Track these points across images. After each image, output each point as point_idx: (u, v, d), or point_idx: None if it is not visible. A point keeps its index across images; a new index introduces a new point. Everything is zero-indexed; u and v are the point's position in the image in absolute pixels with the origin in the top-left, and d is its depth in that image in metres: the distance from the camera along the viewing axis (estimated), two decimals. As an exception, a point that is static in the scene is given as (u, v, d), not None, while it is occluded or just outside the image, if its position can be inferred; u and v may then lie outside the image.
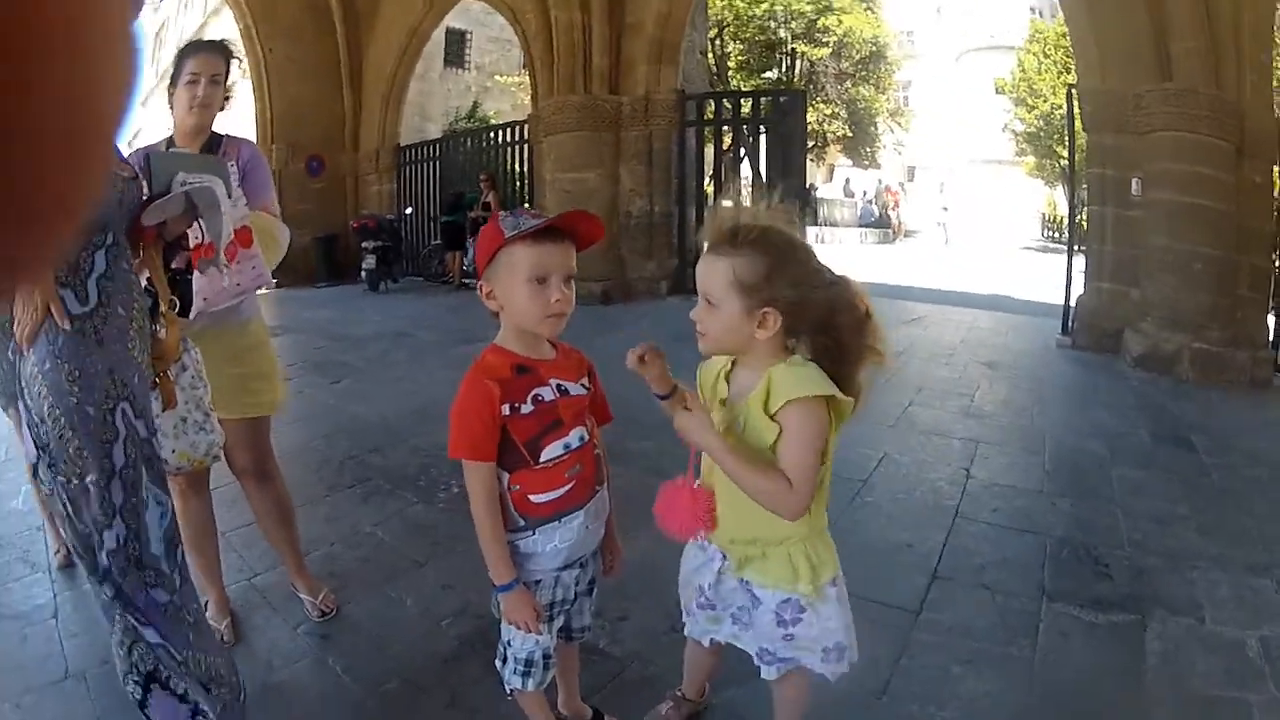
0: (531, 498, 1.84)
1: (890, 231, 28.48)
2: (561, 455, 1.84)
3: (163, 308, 2.10)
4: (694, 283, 4.47)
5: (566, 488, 1.86)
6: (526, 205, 9.89)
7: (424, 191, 13.65)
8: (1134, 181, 7.40)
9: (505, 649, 1.97)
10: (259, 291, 2.70)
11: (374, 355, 7.58)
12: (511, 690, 2.01)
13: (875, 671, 2.51)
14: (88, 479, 1.75)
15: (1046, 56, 28.06)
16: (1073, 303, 8.21)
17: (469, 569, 3.02)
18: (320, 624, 2.84)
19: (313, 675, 2.59)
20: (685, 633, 2.10)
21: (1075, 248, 8.56)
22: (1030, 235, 27.44)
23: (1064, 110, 8.33)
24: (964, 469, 4.55)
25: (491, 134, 13.13)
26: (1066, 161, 24.68)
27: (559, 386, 1.85)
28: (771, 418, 1.68)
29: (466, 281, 11.76)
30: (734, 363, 1.84)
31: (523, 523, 1.85)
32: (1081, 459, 4.73)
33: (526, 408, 1.79)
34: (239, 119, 12.41)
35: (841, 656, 1.86)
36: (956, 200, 30.78)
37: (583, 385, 1.91)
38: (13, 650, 2.67)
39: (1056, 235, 25.90)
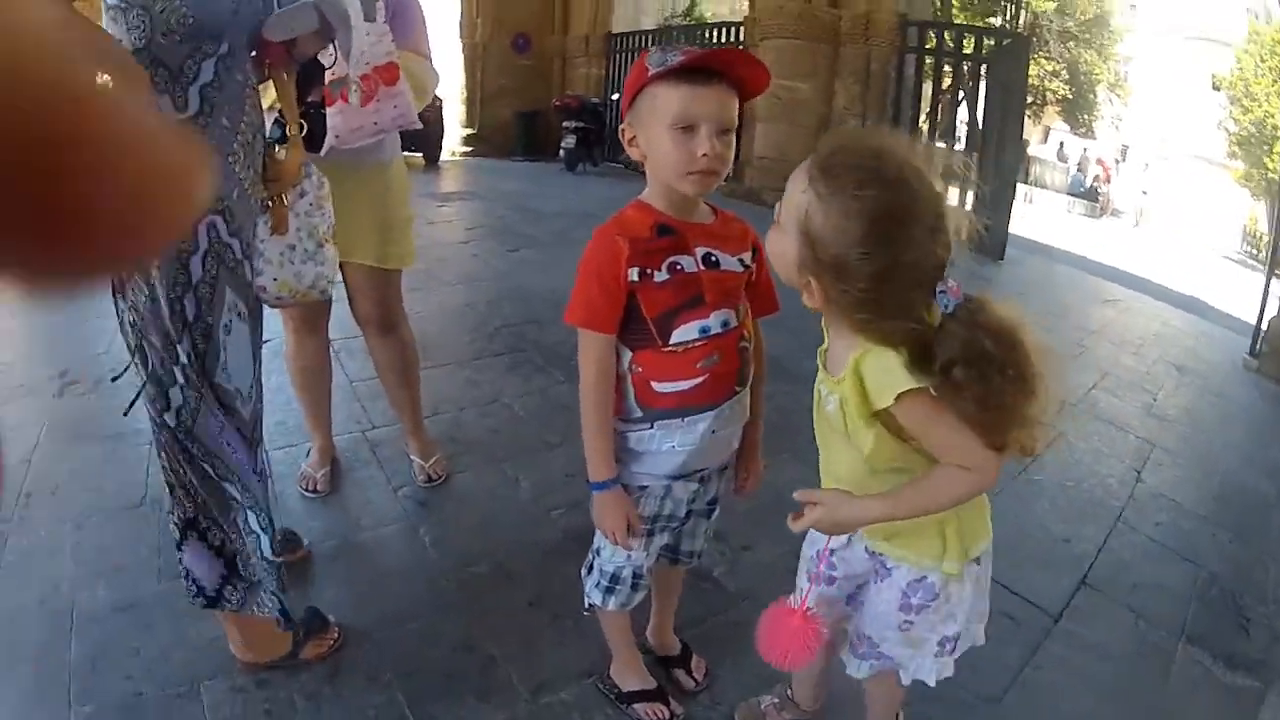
0: (655, 385, 1.58)
1: (1098, 206, 26.69)
2: (696, 340, 1.56)
3: (289, 131, 1.93)
4: None
5: (697, 380, 1.57)
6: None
7: None
8: None
9: (593, 558, 1.83)
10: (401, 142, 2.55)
11: (557, 230, 7.53)
12: (590, 605, 1.87)
13: (996, 674, 2.36)
14: (158, 290, 1.62)
15: (1263, 61, 25.36)
16: (1264, 324, 7.45)
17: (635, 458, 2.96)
18: (424, 489, 2.77)
19: (399, 541, 2.53)
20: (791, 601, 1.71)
21: (1275, 267, 7.74)
22: (1230, 245, 25.20)
23: (1278, 120, 7.45)
24: (1135, 470, 4.24)
25: (706, 32, 12.77)
26: (1275, 173, 23.03)
27: (707, 257, 1.57)
28: (877, 417, 1.35)
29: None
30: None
31: (639, 413, 1.61)
32: (1250, 496, 4.32)
33: (660, 275, 1.53)
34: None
35: (954, 648, 1.54)
36: (1159, 189, 28.51)
37: (740, 261, 1.62)
38: (94, 470, 2.67)
39: (1256, 252, 23.74)
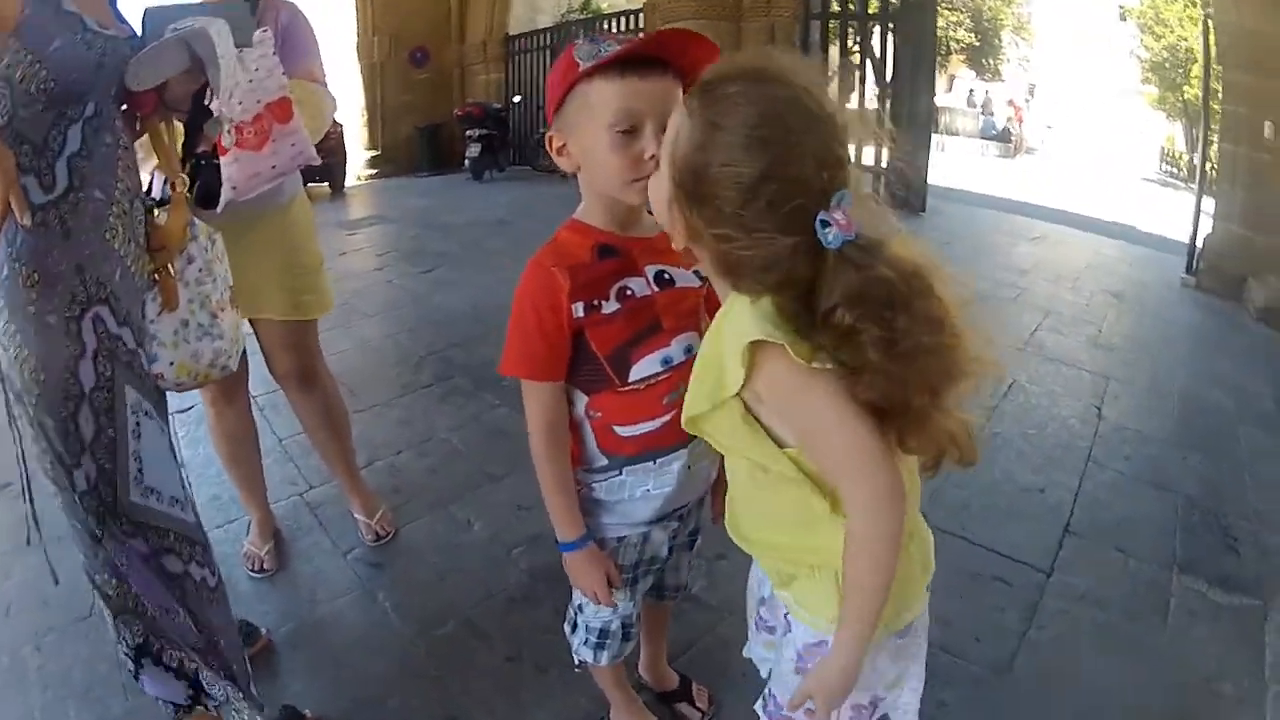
0: (617, 429, 1.40)
1: (1011, 146, 27.22)
2: (659, 373, 1.36)
3: (172, 189, 1.72)
4: None
5: (664, 419, 1.37)
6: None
7: (534, 81, 13.18)
8: (1266, 125, 6.72)
9: (575, 615, 1.65)
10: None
11: (469, 242, 7.34)
12: (581, 662, 1.71)
13: (1001, 642, 2.31)
14: (48, 407, 1.43)
15: (1173, -13, 26.14)
16: (1199, 242, 7.64)
17: None
18: (374, 549, 2.61)
19: (358, 612, 2.36)
20: (744, 652, 1.52)
21: (1204, 186, 7.93)
22: (1150, 168, 25.89)
23: (1190, 44, 7.64)
24: (1095, 407, 4.26)
25: (606, 24, 12.63)
26: (1192, 96, 23.76)
27: (660, 275, 1.36)
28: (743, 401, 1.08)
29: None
30: None
31: (604, 460, 1.43)
32: (1210, 413, 4.39)
33: (610, 306, 1.33)
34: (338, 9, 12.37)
35: (874, 716, 1.25)
36: (1072, 122, 29.22)
37: (696, 274, 1.38)
38: (39, 581, 2.42)
39: (1176, 171, 24.57)
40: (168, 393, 1.70)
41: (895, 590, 1.06)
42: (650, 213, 1.31)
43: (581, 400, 1.39)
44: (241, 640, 1.87)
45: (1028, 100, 32.08)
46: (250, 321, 2.24)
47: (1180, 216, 8.21)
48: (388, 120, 13.58)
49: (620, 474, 1.44)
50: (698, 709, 1.98)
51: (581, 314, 1.32)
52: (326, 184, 10.58)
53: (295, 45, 2.20)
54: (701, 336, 1.29)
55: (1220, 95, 7.69)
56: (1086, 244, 8.84)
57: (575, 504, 1.45)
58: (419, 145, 13.25)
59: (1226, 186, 7.36)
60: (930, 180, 8.91)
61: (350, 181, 11.40)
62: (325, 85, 2.30)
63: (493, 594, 2.41)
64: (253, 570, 2.51)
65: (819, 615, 1.16)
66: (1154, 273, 8.03)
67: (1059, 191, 15.51)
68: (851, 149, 1.05)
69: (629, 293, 1.35)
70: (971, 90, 32.74)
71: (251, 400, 2.59)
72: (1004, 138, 28.02)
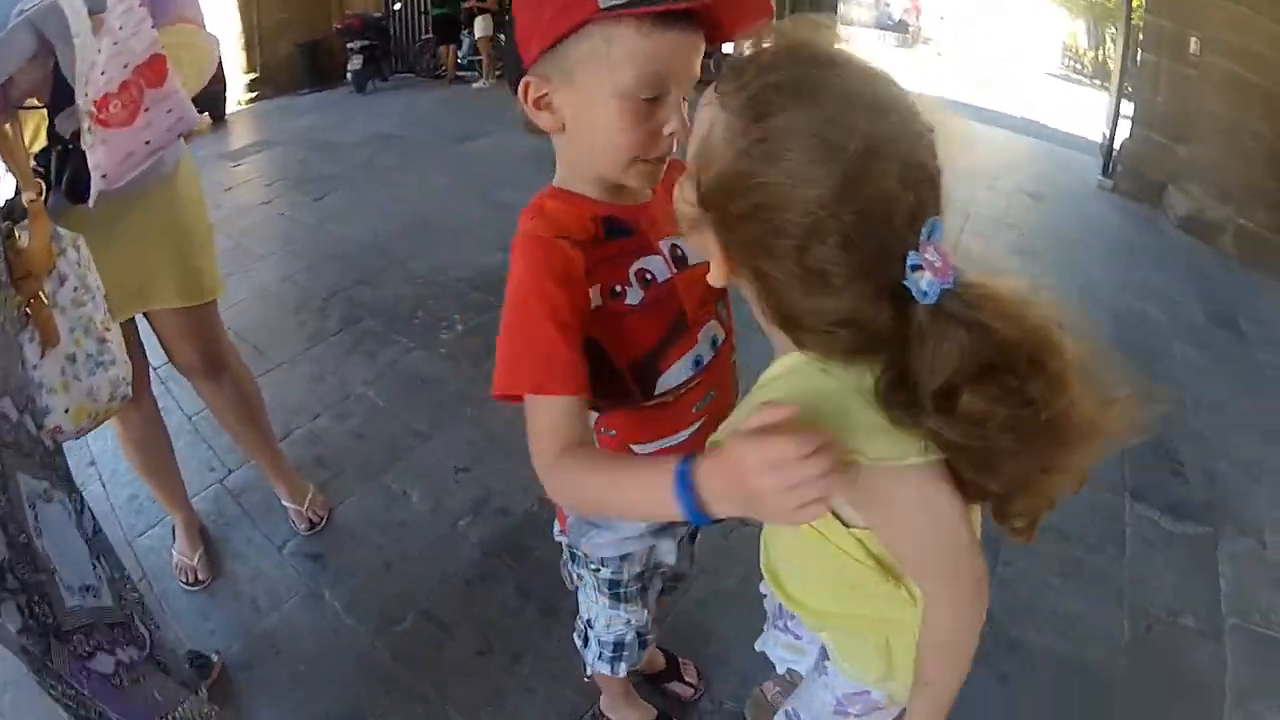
0: (635, 448, 1.14)
1: (909, 37, 27.26)
2: (690, 379, 1.11)
3: (25, 199, 1.41)
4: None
5: (691, 430, 1.14)
6: None
7: None
8: (1192, 40, 6.80)
9: (585, 629, 1.49)
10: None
11: (360, 162, 6.84)
12: (594, 674, 1.58)
13: None
14: None
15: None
16: (1116, 145, 7.77)
17: (484, 441, 2.66)
18: (310, 538, 2.39)
19: (308, 616, 2.17)
20: (757, 645, 1.46)
21: (1123, 90, 8.05)
22: (1052, 63, 26.28)
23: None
24: (1032, 320, 4.26)
25: None
26: None
27: (673, 251, 1.09)
28: None
29: (462, 74, 11.02)
30: None
31: None
32: (1143, 327, 4.45)
33: (634, 294, 1.04)
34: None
35: None
36: (968, 13, 29.39)
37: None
38: None
39: (1080, 67, 24.94)
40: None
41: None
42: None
43: (590, 418, 1.06)
44: (197, 681, 1.72)
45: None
46: (145, 315, 1.97)
47: (1087, 114, 8.27)
48: (265, 40, 12.74)
49: None
50: (689, 685, 1.92)
51: (600, 302, 1.01)
52: (207, 114, 9.89)
53: None
54: (722, 323, 1.15)
55: (1144, 4, 7.74)
56: (997, 140, 8.88)
57: (646, 466, 0.93)
58: (300, 63, 12.52)
59: (1148, 94, 7.43)
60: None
61: (231, 108, 10.72)
62: (202, 25, 1.93)
63: (447, 577, 2.24)
64: (187, 584, 2.29)
65: (865, 671, 1.09)
66: (1069, 173, 8.13)
67: (962, 85, 15.49)
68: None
69: (649, 277, 1.06)
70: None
71: (152, 374, 2.28)
72: (901, 28, 28.03)
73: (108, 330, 1.50)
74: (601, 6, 0.88)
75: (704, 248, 0.84)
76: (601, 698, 1.84)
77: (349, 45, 11.23)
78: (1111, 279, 5.02)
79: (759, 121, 0.73)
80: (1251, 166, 6.27)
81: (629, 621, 1.42)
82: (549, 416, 0.95)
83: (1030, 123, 11.73)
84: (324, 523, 2.43)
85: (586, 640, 1.50)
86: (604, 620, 1.43)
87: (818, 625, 1.13)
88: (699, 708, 1.93)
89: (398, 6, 12.44)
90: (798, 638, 1.31)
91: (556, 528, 1.38)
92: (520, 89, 0.99)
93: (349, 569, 2.27)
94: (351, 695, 1.94)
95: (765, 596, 1.36)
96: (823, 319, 0.75)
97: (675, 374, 1.09)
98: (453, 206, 4.46)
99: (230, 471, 2.65)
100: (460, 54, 11.06)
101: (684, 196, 0.82)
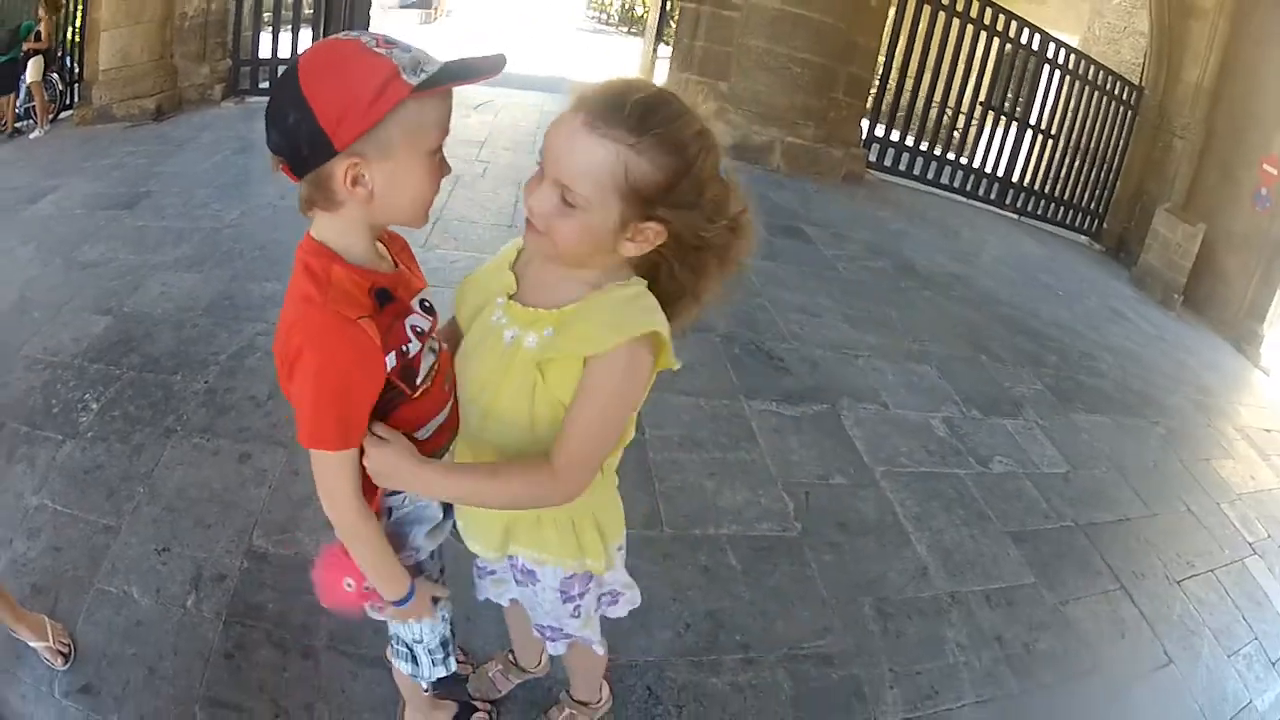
0: (418, 435, 1.31)
1: (432, 12, 27.62)
2: (433, 364, 1.30)
3: None
4: (248, 83, 3.60)
5: (449, 404, 1.35)
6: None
7: None
8: None
9: (411, 648, 1.57)
10: None
11: None
12: (433, 682, 1.65)
13: (637, 505, 2.52)
14: None
15: None
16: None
17: (166, 515, 2.59)
18: (71, 672, 2.17)
19: None
20: (478, 596, 1.72)
21: (661, 37, 8.87)
22: (579, 18, 27.86)
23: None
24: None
25: None
26: None
27: (423, 303, 1.30)
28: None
29: (19, 127, 9.66)
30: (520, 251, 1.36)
31: None
32: None
33: (414, 346, 1.24)
34: None
35: (618, 600, 1.61)
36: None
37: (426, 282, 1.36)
38: None
39: (604, 18, 26.70)
40: None
41: (608, 521, 1.44)
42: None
43: (375, 429, 1.24)
44: None
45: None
46: None
47: (613, 61, 8.86)
48: None
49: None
50: (468, 665, 2.04)
51: (394, 363, 1.20)
52: None
53: None
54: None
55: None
56: (531, 105, 9.09)
57: (395, 558, 1.33)
58: None
59: (687, 40, 8.24)
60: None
61: None
62: None
63: (208, 659, 2.15)
64: None
65: (562, 557, 1.41)
66: None
67: (489, 54, 16.14)
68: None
69: (419, 329, 1.25)
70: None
71: None
72: (424, 4, 28.30)
73: None
74: (415, 87, 1.04)
75: (616, 240, 1.17)
76: (406, 711, 1.90)
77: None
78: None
79: (665, 153, 1.13)
80: (796, 91, 7.26)
81: (445, 618, 1.54)
82: (344, 465, 1.20)
83: (560, 79, 12.29)
84: (72, 652, 2.21)
85: (415, 659, 1.58)
86: (429, 628, 1.52)
87: (509, 527, 1.41)
88: None
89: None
90: (493, 573, 1.60)
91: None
92: (340, 174, 1.08)
93: (120, 688, 2.12)
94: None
95: (476, 557, 1.59)
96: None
97: (424, 367, 1.26)
98: (44, 277, 4.00)
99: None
100: (18, 103, 9.74)
101: (597, 223, 1.15)
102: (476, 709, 1.94)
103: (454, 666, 1.61)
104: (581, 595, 1.48)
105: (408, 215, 1.18)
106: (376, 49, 1.05)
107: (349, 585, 1.33)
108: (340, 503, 1.23)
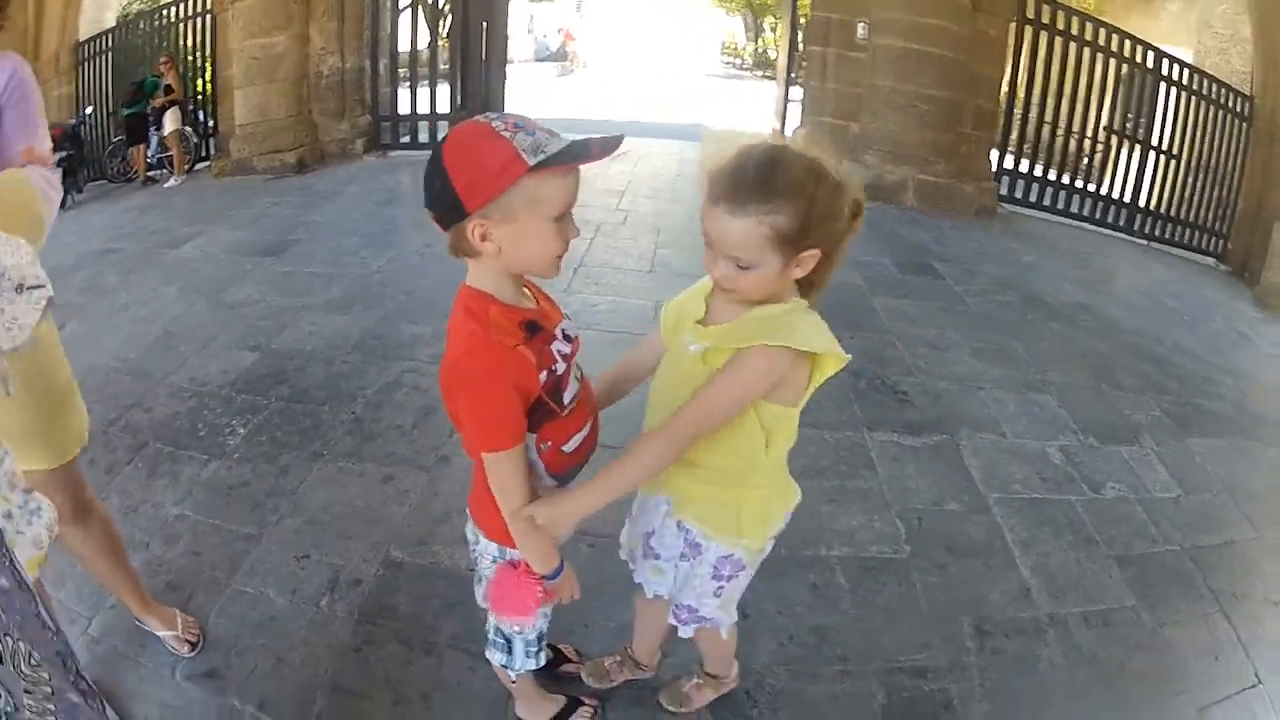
0: (565, 449, 1.60)
1: (568, 64, 28.44)
2: (578, 391, 1.59)
3: None
4: (389, 137, 4.14)
5: (590, 421, 1.64)
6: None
7: (102, 87, 11.92)
8: (859, 26, 8.00)
9: (510, 639, 1.84)
10: None
11: (83, 286, 6.39)
12: (520, 673, 1.92)
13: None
14: None
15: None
16: (788, 133, 8.70)
17: (308, 527, 2.87)
18: (196, 658, 2.42)
19: None
20: (635, 579, 1.97)
21: (791, 80, 9.22)
22: (712, 63, 28.22)
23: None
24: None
25: (168, 10, 11.60)
26: None
27: (564, 332, 1.57)
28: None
29: (152, 175, 10.58)
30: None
31: (555, 482, 1.64)
32: (848, 292, 5.19)
33: (559, 367, 1.52)
34: None
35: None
36: (626, 32, 31.02)
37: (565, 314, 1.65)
38: None
39: (740, 61, 27.14)
40: None
41: (776, 504, 1.74)
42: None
43: (530, 441, 1.54)
44: None
45: (578, 15, 33.46)
46: None
47: (748, 105, 9.00)
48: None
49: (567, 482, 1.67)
50: (575, 662, 2.31)
51: (546, 379, 1.48)
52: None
53: (19, 118, 1.90)
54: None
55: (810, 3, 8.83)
56: (670, 153, 9.39)
57: (547, 537, 1.61)
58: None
59: (817, 83, 8.58)
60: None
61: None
62: (47, 162, 1.90)
63: (336, 652, 2.40)
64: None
65: (728, 536, 1.70)
66: None
67: (626, 103, 16.18)
68: None
69: (563, 352, 1.53)
70: (532, 15, 33.56)
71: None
72: (560, 57, 29.11)
73: (19, 477, 1.54)
74: (530, 165, 1.31)
75: (762, 279, 1.45)
76: (515, 704, 2.13)
77: (48, 160, 10.51)
78: (810, 259, 5.77)
79: (797, 200, 1.38)
80: (925, 128, 7.47)
81: (545, 614, 1.81)
82: (512, 460, 1.49)
83: (697, 127, 12.28)
84: (200, 641, 2.47)
85: (510, 650, 1.85)
86: (532, 623, 1.78)
87: (685, 497, 1.71)
88: (587, 683, 2.28)
89: (89, 111, 11.76)
90: (658, 557, 1.82)
91: (492, 556, 1.74)
92: (469, 230, 1.38)
93: (245, 674, 2.34)
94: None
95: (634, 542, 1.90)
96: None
97: (570, 390, 1.56)
98: (189, 315, 4.38)
99: (90, 620, 2.59)
100: (149, 153, 10.65)
101: (763, 277, 1.45)
102: (583, 703, 2.16)
103: (544, 661, 1.89)
104: (730, 579, 1.76)
105: (536, 267, 1.47)
106: (503, 132, 1.33)
107: (540, 592, 1.63)
108: (514, 494, 1.51)
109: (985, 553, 2.96)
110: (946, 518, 3.11)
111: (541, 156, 1.32)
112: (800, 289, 1.54)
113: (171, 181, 9.29)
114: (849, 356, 1.53)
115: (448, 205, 1.37)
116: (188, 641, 2.43)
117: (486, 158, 1.33)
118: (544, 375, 1.48)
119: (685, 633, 1.88)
